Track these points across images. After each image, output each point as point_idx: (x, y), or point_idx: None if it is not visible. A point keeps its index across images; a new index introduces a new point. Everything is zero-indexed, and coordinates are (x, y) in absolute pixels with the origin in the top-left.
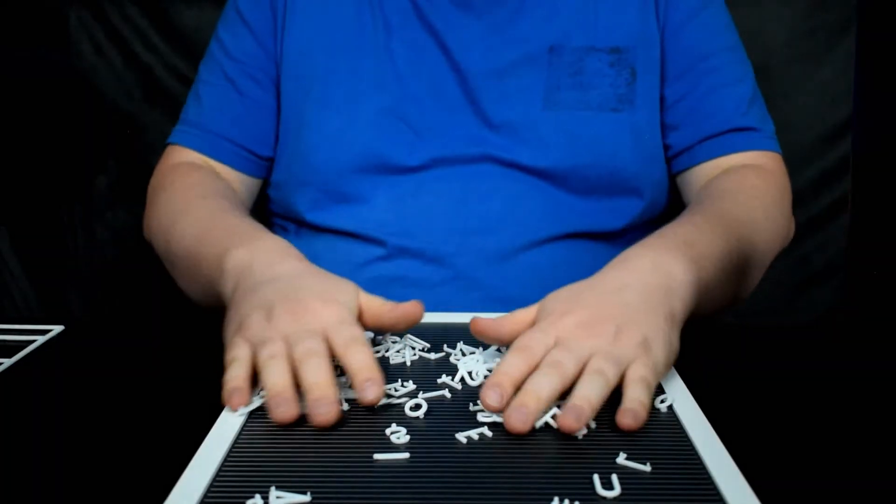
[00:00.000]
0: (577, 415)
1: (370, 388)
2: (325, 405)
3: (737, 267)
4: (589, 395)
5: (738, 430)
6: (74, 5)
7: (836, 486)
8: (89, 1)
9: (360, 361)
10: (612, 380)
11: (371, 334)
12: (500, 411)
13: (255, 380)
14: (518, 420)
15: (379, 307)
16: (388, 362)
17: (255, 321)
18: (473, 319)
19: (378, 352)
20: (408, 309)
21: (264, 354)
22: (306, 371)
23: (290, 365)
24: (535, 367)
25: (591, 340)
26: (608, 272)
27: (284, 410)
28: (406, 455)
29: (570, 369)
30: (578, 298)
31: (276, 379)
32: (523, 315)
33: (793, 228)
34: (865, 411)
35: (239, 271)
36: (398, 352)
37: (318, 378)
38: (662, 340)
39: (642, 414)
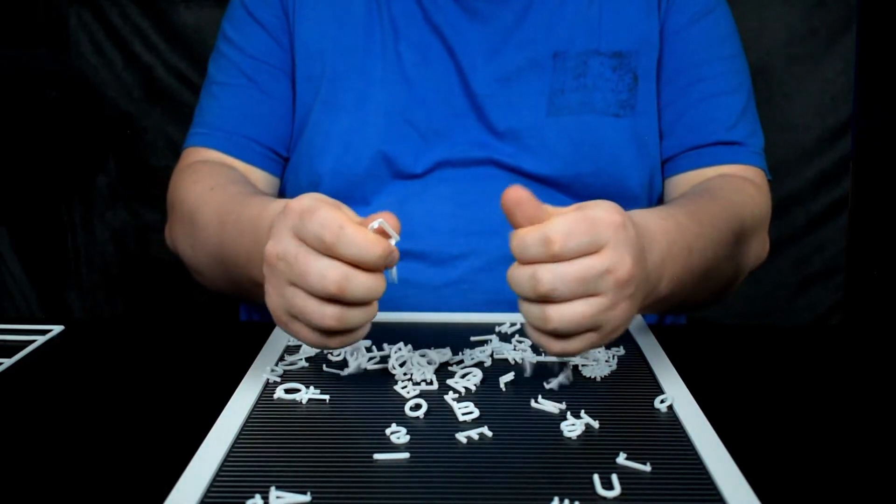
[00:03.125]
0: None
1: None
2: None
3: (713, 278)
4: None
5: (738, 430)
6: (74, 5)
7: (836, 486)
8: (89, 1)
9: (355, 248)
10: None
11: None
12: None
13: None
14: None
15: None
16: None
17: (272, 302)
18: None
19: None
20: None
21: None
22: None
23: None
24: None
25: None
26: (645, 225)
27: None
28: (406, 455)
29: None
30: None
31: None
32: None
33: (766, 251)
34: (865, 411)
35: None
36: (419, 371)
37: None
38: (622, 330)
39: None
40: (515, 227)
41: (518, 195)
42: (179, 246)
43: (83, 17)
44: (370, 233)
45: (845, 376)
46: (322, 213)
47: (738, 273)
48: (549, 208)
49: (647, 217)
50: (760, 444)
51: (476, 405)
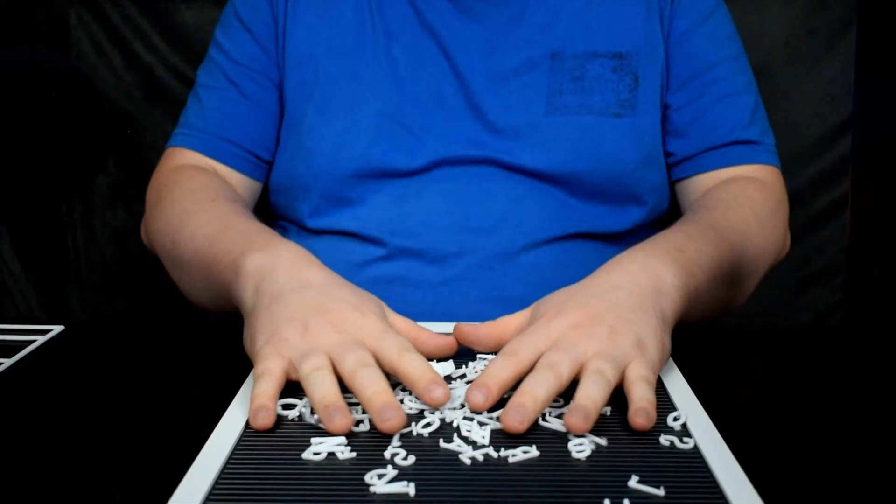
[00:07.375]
0: (585, 415)
1: (436, 390)
2: (390, 410)
3: (727, 275)
4: (593, 395)
5: (739, 429)
6: (74, 5)
7: (835, 486)
8: (89, 1)
9: (419, 367)
10: (613, 380)
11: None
12: (483, 411)
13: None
14: (515, 419)
15: (415, 331)
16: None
17: (290, 333)
18: (456, 326)
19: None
20: (447, 343)
21: (307, 367)
22: (362, 382)
23: (335, 377)
24: (526, 371)
25: (586, 341)
26: (599, 275)
27: (341, 420)
28: (407, 479)
29: (566, 371)
30: (570, 301)
31: (326, 390)
32: (509, 321)
33: (788, 243)
34: (865, 411)
35: (259, 276)
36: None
37: (377, 387)
38: (655, 340)
39: (653, 413)
40: (482, 348)
41: (458, 332)
42: (157, 239)
43: (83, 17)
44: (427, 362)
45: (845, 376)
46: (394, 336)
47: (754, 269)
48: (487, 326)
49: (618, 255)
50: (760, 444)
51: (481, 425)
